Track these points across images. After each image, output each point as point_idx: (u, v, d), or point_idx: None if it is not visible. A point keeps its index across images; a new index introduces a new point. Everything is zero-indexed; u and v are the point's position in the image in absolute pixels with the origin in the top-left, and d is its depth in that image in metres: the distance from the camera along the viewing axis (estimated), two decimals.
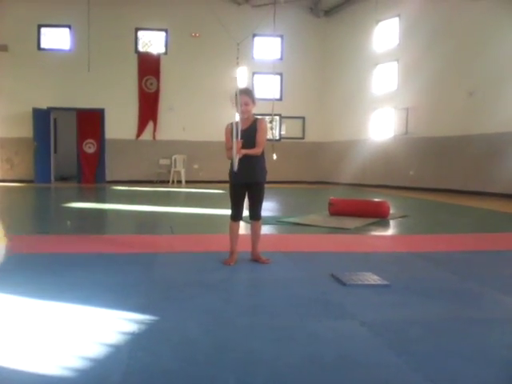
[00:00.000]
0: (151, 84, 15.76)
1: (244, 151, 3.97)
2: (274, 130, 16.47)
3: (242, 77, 15.28)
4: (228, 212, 4.27)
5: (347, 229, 6.17)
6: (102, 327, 2.60)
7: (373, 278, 3.64)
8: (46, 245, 4.96)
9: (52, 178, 15.27)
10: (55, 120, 16.01)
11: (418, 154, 13.82)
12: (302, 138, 17.02)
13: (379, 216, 7.10)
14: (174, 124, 15.80)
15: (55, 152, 15.97)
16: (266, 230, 5.54)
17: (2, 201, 10.49)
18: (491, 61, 11.77)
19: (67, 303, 2.98)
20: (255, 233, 4.27)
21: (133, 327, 2.60)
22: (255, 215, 4.24)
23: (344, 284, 3.51)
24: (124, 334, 2.51)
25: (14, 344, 2.38)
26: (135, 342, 2.43)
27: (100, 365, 2.16)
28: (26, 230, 6.17)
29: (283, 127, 16.93)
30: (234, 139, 3.89)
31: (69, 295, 3.13)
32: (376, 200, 8.01)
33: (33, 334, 2.51)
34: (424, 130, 13.63)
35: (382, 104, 15.09)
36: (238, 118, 4.14)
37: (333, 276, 3.73)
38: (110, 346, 2.36)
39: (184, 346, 2.41)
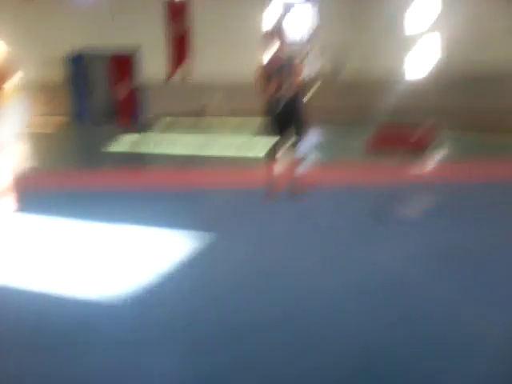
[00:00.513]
0: (181, 25, 15.53)
1: (281, 92, 3.96)
2: (307, 68, 16.05)
3: (272, 16, 14.86)
4: (266, 149, 4.32)
5: (385, 163, 6.11)
6: (154, 253, 2.82)
7: (415, 208, 3.72)
8: (88, 180, 5.15)
9: (88, 121, 15.47)
10: (89, 64, 16.05)
11: (455, 91, 13.31)
12: (337, 75, 16.62)
13: (418, 149, 6.94)
14: (203, 66, 15.65)
15: (90, 96, 16.10)
16: (304, 165, 5.56)
17: (41, 142, 10.80)
18: None
19: (128, 225, 3.19)
20: (294, 168, 4.39)
21: (182, 254, 2.82)
22: (295, 152, 4.35)
23: (384, 215, 3.59)
24: (172, 260, 2.73)
25: (97, 262, 2.64)
26: (184, 267, 2.64)
27: (152, 288, 2.36)
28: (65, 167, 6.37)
29: (317, 64, 16.49)
30: (273, 77, 3.87)
31: (132, 220, 3.33)
32: (413, 134, 7.79)
33: (89, 256, 2.77)
34: (463, 67, 13.08)
35: (418, 41, 14.50)
36: (268, 57, 4.13)
37: (373, 208, 3.83)
38: (161, 269, 2.57)
39: (227, 272, 2.61)
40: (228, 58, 15.58)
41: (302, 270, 2.61)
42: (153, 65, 15.43)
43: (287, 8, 15.49)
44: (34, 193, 3.95)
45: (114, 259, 2.76)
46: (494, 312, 2.10)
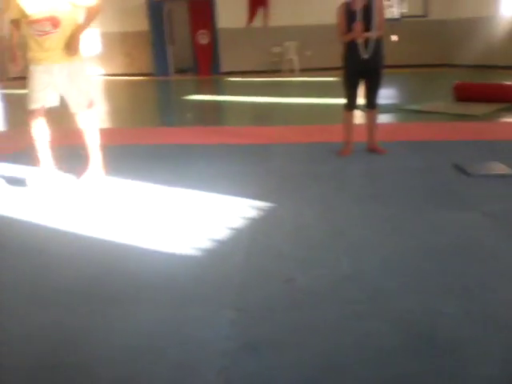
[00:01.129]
0: None
1: (367, 34, 3.70)
2: (393, 8, 15.14)
3: None
4: (343, 101, 4.13)
5: (474, 115, 5.72)
6: (224, 213, 2.78)
7: (500, 168, 3.42)
8: (168, 136, 5.26)
9: (170, 70, 15.75)
10: (169, 11, 16.13)
11: None
12: (425, 15, 15.51)
13: (509, 100, 6.45)
14: (284, 8, 15.15)
15: (172, 44, 16.28)
16: (383, 118, 5.33)
17: (126, 95, 11.15)
18: None
19: (191, 189, 3.20)
20: (372, 122, 4.13)
21: (252, 213, 2.76)
22: (372, 103, 4.06)
23: (468, 174, 3.34)
24: (244, 219, 2.67)
25: (147, 226, 2.65)
26: (254, 226, 2.59)
27: (224, 246, 2.36)
28: (150, 123, 6.56)
29: (404, 3, 15.49)
30: (358, 18, 3.62)
31: (192, 184, 3.35)
32: (507, 83, 7.25)
33: (163, 219, 2.77)
34: None
35: None
36: None
37: (456, 166, 3.55)
38: (232, 229, 2.54)
39: (299, 232, 2.52)
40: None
41: (379, 232, 2.49)
42: (231, 10, 15.18)
43: None
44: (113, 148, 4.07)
45: (182, 217, 2.77)
46: None
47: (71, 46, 3.17)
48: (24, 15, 3.06)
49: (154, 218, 2.76)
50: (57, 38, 3.13)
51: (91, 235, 2.51)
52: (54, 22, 3.09)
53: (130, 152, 4.41)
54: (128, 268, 2.17)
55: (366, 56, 3.69)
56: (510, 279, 1.98)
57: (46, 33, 3.10)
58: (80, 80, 3.30)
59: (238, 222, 2.62)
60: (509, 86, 6.85)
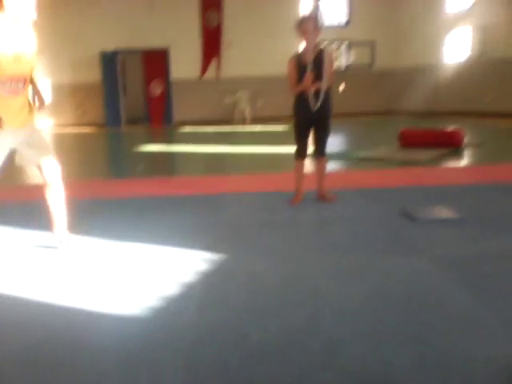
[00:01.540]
0: (213, 19, 15.48)
1: (317, 85, 3.81)
2: (341, 59, 15.84)
3: (308, 3, 14.63)
4: (293, 149, 4.22)
5: (419, 161, 5.96)
6: (175, 267, 2.73)
7: (445, 212, 3.54)
8: (118, 189, 5.19)
9: (122, 121, 15.72)
10: (122, 62, 16.25)
11: (496, 76, 12.85)
12: (371, 65, 16.28)
13: (453, 146, 6.78)
14: (236, 59, 15.58)
15: (124, 95, 16.33)
16: (332, 166, 5.47)
17: (75, 145, 11.00)
18: None
19: (141, 243, 3.14)
20: (321, 170, 4.22)
21: (204, 266, 2.71)
22: (321, 152, 4.16)
23: (414, 219, 3.44)
24: (196, 272, 2.63)
25: (93, 285, 2.56)
26: (206, 279, 2.54)
27: (175, 302, 2.29)
28: (98, 175, 6.47)
29: (351, 55, 16.23)
30: (309, 70, 3.74)
31: (142, 238, 3.28)
32: (449, 129, 7.63)
33: (110, 276, 2.68)
34: (504, 51, 12.59)
35: (457, 22, 14.01)
36: (302, 48, 3.98)
37: (403, 211, 3.65)
38: (184, 284, 2.48)
39: (252, 284, 2.49)
40: (261, 51, 15.45)
41: (331, 277, 2.49)
42: (185, 61, 15.46)
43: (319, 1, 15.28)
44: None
45: (132, 273, 2.70)
46: None
47: (41, 101, 3.00)
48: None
49: (102, 276, 2.67)
50: (24, 99, 2.86)
51: (38, 298, 2.39)
52: (25, 80, 2.82)
53: (77, 206, 4.30)
54: (75, 331, 2.07)
55: (315, 107, 3.79)
56: (459, 325, 2.00)
57: (17, 92, 2.79)
58: (40, 135, 3.08)
59: (190, 276, 2.57)
60: (451, 132, 7.21)
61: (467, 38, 13.84)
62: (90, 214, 3.96)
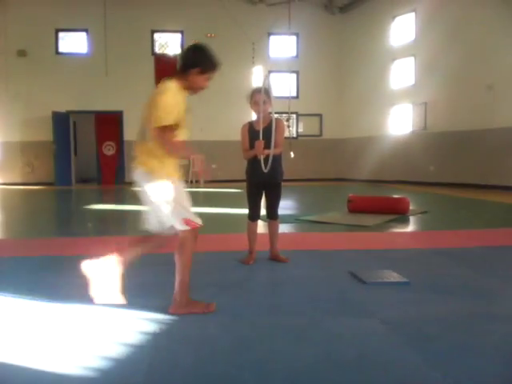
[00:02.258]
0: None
1: (267, 152, 3.95)
2: (291, 128, 16.45)
3: (259, 76, 15.28)
4: (246, 211, 4.29)
5: (366, 226, 6.15)
6: (125, 328, 2.65)
7: (392, 276, 3.63)
8: (68, 247, 5.05)
9: (73, 180, 15.50)
10: (74, 123, 16.24)
11: (437, 149, 13.68)
12: (320, 135, 16.97)
13: (399, 212, 7.06)
14: (191, 124, 15.85)
15: (75, 155, 16.19)
16: (284, 228, 5.55)
17: (24, 204, 10.69)
18: (509, 53, 11.58)
19: (88, 305, 3.03)
20: (273, 232, 4.29)
21: (154, 327, 2.65)
22: (273, 215, 4.26)
23: (363, 282, 3.51)
24: (145, 334, 2.56)
25: (39, 346, 2.44)
26: (156, 342, 2.47)
27: (122, 365, 2.21)
28: (47, 233, 6.28)
29: (300, 125, 16.90)
30: (261, 137, 3.88)
31: (89, 297, 3.18)
32: (395, 196, 7.97)
33: (57, 337, 2.57)
34: (443, 125, 13.49)
35: (400, 99, 14.97)
36: (254, 117, 4.15)
37: (352, 274, 3.73)
38: (132, 346, 2.40)
39: (204, 346, 2.44)
40: (213, 117, 15.83)
41: (282, 341, 2.47)
42: (139, 124, 15.58)
43: (269, 75, 16.03)
44: None
45: (71, 337, 2.59)
46: None
47: None
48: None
49: (47, 337, 2.55)
50: None
51: None
52: None
53: (22, 264, 4.16)
54: None
55: (265, 171, 3.90)
56: None
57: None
58: None
59: (139, 338, 2.49)
60: (397, 199, 7.52)
61: (410, 112, 14.76)
62: (34, 273, 3.83)
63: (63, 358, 2.26)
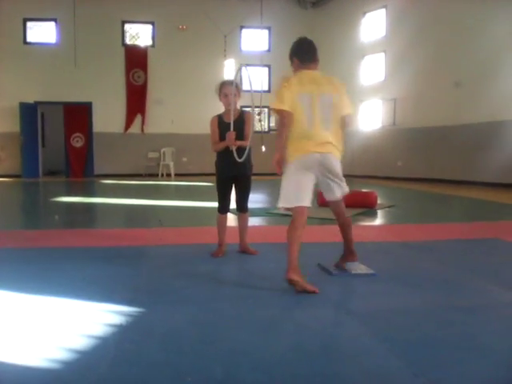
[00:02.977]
0: (139, 77, 15.66)
1: (239, 143, 3.94)
2: (262, 122, 16.45)
3: (231, 69, 15.21)
4: (216, 205, 4.27)
5: (334, 219, 6.18)
6: (89, 320, 2.61)
7: (359, 268, 3.68)
8: (34, 239, 4.94)
9: (40, 172, 15.17)
10: (42, 114, 15.87)
11: (405, 144, 13.89)
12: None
13: (367, 206, 7.14)
14: (162, 117, 15.71)
15: (43, 146, 15.84)
16: (254, 221, 5.56)
17: None
18: (478, 51, 11.83)
19: (54, 297, 2.98)
20: (243, 225, 4.29)
21: (120, 320, 2.61)
22: (243, 207, 4.25)
23: (330, 273, 3.54)
24: (111, 326, 2.52)
25: (2, 337, 2.38)
26: (122, 334, 2.44)
27: (87, 356, 2.17)
28: (13, 225, 6.14)
29: (272, 119, 16.91)
30: (232, 129, 3.87)
31: (56, 289, 3.13)
32: (364, 190, 8.06)
33: (19, 328, 2.51)
34: (411, 121, 13.70)
35: (370, 95, 15.13)
36: (223, 110, 4.13)
37: (319, 266, 3.76)
38: (97, 338, 2.37)
39: (171, 338, 2.42)
40: (185, 110, 15.71)
41: (248, 332, 2.47)
42: (108, 116, 15.37)
43: (244, 66, 15.98)
44: None
45: (45, 327, 2.53)
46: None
47: None
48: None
49: (9, 329, 2.50)
50: None
51: None
52: None
53: None
54: None
55: (240, 160, 3.89)
56: (374, 377, 2.05)
57: None
58: None
59: (104, 330, 2.46)
60: (365, 193, 7.61)
61: (379, 109, 14.94)
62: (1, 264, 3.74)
63: (27, 350, 2.21)
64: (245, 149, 3.96)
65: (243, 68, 4.03)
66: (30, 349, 2.24)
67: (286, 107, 3.19)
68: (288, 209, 3.38)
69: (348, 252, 3.66)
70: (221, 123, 4.07)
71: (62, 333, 2.44)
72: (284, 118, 3.23)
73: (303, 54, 3.43)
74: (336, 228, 3.93)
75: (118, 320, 2.60)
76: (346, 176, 3.55)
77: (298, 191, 3.28)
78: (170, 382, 1.97)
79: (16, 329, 2.51)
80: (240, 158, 3.87)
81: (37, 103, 14.94)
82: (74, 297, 2.98)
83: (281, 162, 3.36)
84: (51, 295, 3.01)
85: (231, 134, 3.89)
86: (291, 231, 3.28)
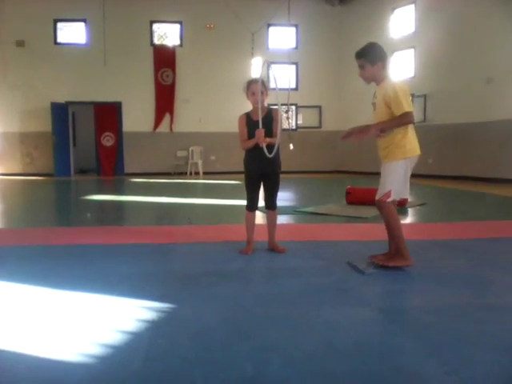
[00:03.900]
0: (167, 76, 15.82)
1: (268, 140, 3.95)
2: (290, 120, 16.43)
3: (258, 67, 15.23)
4: (244, 202, 4.30)
5: (364, 218, 6.15)
6: (123, 316, 2.66)
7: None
8: (68, 236, 5.06)
9: (72, 171, 15.49)
10: (73, 114, 16.20)
11: (436, 141, 13.66)
12: (319, 126, 16.95)
13: (397, 204, 7.04)
14: (190, 116, 15.85)
15: (74, 145, 16.17)
16: (282, 219, 5.56)
17: (24, 194, 10.68)
18: (509, 46, 11.55)
19: (89, 293, 3.05)
20: (271, 222, 4.30)
21: (152, 315, 2.66)
22: (271, 205, 4.26)
23: (360, 272, 3.53)
24: (144, 322, 2.57)
25: (38, 333, 2.45)
26: (155, 329, 2.48)
27: (121, 352, 2.22)
28: (46, 223, 6.29)
29: (299, 117, 16.87)
30: (260, 127, 3.89)
31: (90, 286, 3.20)
32: None
33: (52, 323, 2.58)
34: (442, 117, 13.47)
35: None
36: (251, 108, 4.15)
37: (349, 264, 3.74)
38: (131, 333, 2.41)
39: (201, 334, 2.45)
40: (213, 109, 15.80)
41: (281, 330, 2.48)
42: (137, 115, 15.58)
43: (270, 64, 15.98)
44: None
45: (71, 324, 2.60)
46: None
47: None
48: None
49: (46, 324, 2.57)
50: None
51: None
52: None
53: (23, 253, 4.17)
54: (16, 378, 1.97)
55: (270, 156, 3.90)
56: (405, 375, 2.04)
57: None
58: None
59: (137, 326, 2.51)
60: None
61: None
62: (34, 261, 3.84)
63: (61, 345, 2.27)
64: (273, 146, 3.97)
65: (266, 65, 4.05)
66: (64, 344, 2.29)
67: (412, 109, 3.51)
68: (384, 200, 3.62)
69: (396, 253, 3.68)
70: (249, 121, 4.09)
71: (95, 328, 2.49)
72: (412, 119, 3.53)
73: (386, 58, 3.66)
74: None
75: (150, 316, 2.65)
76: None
77: (406, 185, 3.66)
78: (202, 377, 2.00)
79: (50, 324, 2.57)
80: (270, 154, 3.89)
81: (68, 103, 15.26)
82: (107, 293, 3.04)
83: (365, 135, 3.64)
84: (85, 291, 3.08)
85: (260, 132, 3.90)
86: (397, 221, 3.67)
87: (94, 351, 2.20)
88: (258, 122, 3.92)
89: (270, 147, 3.95)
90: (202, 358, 2.17)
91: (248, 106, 4.13)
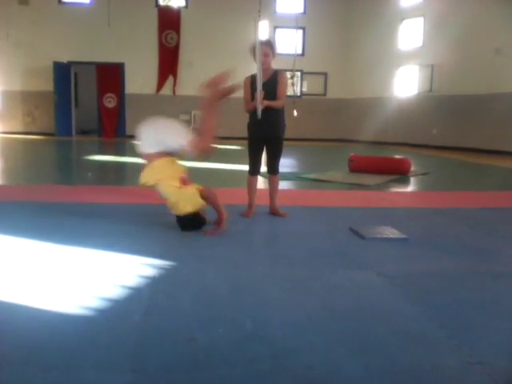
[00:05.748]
0: (171, 38, 15.53)
1: (267, 102, 3.89)
2: (295, 86, 16.21)
3: (263, 30, 14.93)
4: (246, 167, 4.26)
5: (367, 185, 6.13)
6: (124, 271, 2.66)
7: (391, 232, 3.64)
8: (68, 194, 5.04)
9: (73, 131, 15.39)
10: (76, 74, 15.98)
11: (441, 112, 13.51)
12: (324, 94, 16.73)
13: (400, 173, 7.03)
14: (193, 79, 15.59)
15: (76, 106, 16.01)
16: (284, 185, 5.54)
17: (25, 153, 10.64)
18: None
19: (90, 249, 3.05)
20: (273, 187, 4.27)
21: (153, 272, 2.66)
22: (273, 169, 4.23)
23: (362, 237, 3.52)
24: (144, 278, 2.57)
25: (39, 285, 2.46)
26: (155, 285, 2.49)
27: (121, 306, 2.22)
28: (49, 181, 6.27)
29: (304, 83, 16.64)
30: (258, 90, 3.82)
31: (91, 242, 3.19)
32: (397, 157, 7.92)
33: (57, 277, 2.58)
34: (449, 88, 13.28)
35: (407, 60, 14.68)
36: (257, 70, 4.06)
37: (351, 229, 3.73)
38: (131, 288, 2.42)
39: (201, 291, 2.45)
40: (216, 71, 15.54)
41: (280, 289, 2.49)
42: (140, 77, 15.37)
43: (276, 28, 15.67)
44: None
45: (73, 277, 2.60)
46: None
47: None
48: None
49: (48, 278, 2.57)
50: None
51: None
52: None
53: (24, 210, 4.16)
54: (17, 328, 1.97)
55: (259, 117, 3.84)
56: (405, 337, 2.04)
57: None
58: None
59: (138, 281, 2.51)
60: (399, 159, 7.48)
61: (416, 75, 14.51)
62: (36, 218, 3.84)
63: (62, 298, 2.27)
64: (273, 109, 3.92)
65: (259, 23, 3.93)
66: (65, 297, 2.30)
67: None
68: None
69: None
70: (254, 83, 4.01)
71: (96, 282, 2.50)
72: None
73: None
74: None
75: (151, 272, 2.65)
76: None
77: None
78: (201, 332, 2.00)
79: (51, 277, 2.58)
80: (261, 117, 3.83)
81: (70, 63, 15.04)
82: (109, 249, 3.04)
83: None
84: (86, 247, 3.08)
85: (260, 94, 3.83)
86: None
87: (95, 304, 2.21)
88: (261, 84, 3.84)
89: (269, 110, 3.90)
90: (202, 314, 2.18)
91: (253, 70, 4.04)
